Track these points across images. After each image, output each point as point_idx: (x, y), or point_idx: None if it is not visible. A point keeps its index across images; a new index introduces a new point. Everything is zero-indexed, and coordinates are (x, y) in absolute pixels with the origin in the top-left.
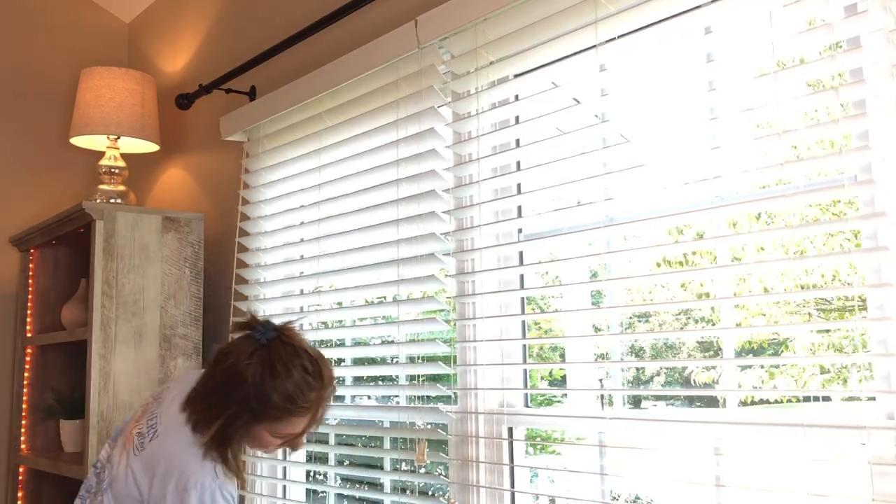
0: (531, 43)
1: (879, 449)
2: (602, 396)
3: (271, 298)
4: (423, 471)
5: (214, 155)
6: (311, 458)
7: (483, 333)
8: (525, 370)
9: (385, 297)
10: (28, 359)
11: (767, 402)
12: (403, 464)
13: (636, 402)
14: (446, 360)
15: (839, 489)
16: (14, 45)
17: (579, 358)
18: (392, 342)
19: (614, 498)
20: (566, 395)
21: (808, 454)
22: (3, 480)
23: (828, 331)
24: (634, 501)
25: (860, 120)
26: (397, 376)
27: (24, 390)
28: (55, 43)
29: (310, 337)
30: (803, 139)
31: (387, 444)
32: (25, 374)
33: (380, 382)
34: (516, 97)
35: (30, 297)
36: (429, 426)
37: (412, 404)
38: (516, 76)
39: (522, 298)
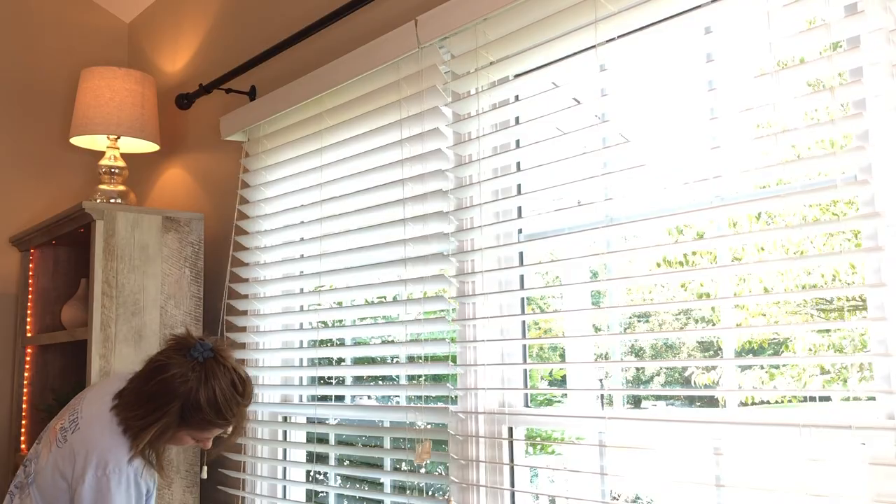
0: (531, 43)
1: (879, 449)
2: (602, 396)
3: (271, 297)
4: (423, 470)
5: (214, 155)
6: (312, 457)
7: (483, 333)
8: (525, 370)
9: (385, 297)
10: (28, 359)
11: (767, 402)
12: (403, 464)
13: (636, 402)
14: (449, 359)
15: (839, 489)
16: (14, 45)
17: (579, 358)
18: (392, 342)
19: (614, 498)
20: (566, 394)
21: (808, 454)
22: (3, 480)
23: (828, 331)
24: (634, 501)
25: (860, 120)
26: (398, 376)
27: (24, 390)
28: (55, 43)
29: (310, 337)
30: (803, 139)
31: (387, 444)
32: (25, 374)
33: (380, 382)
34: (516, 97)
35: (30, 296)
36: (429, 426)
37: (412, 404)
38: (516, 76)
39: (522, 299)
